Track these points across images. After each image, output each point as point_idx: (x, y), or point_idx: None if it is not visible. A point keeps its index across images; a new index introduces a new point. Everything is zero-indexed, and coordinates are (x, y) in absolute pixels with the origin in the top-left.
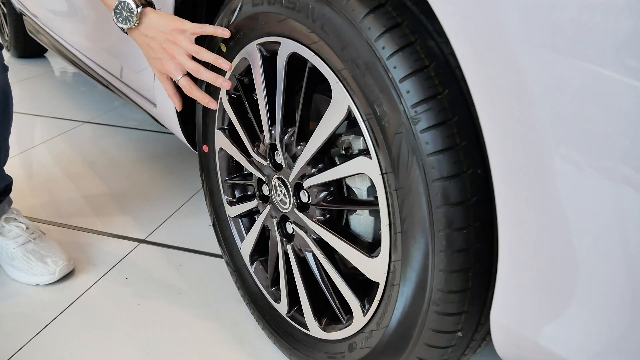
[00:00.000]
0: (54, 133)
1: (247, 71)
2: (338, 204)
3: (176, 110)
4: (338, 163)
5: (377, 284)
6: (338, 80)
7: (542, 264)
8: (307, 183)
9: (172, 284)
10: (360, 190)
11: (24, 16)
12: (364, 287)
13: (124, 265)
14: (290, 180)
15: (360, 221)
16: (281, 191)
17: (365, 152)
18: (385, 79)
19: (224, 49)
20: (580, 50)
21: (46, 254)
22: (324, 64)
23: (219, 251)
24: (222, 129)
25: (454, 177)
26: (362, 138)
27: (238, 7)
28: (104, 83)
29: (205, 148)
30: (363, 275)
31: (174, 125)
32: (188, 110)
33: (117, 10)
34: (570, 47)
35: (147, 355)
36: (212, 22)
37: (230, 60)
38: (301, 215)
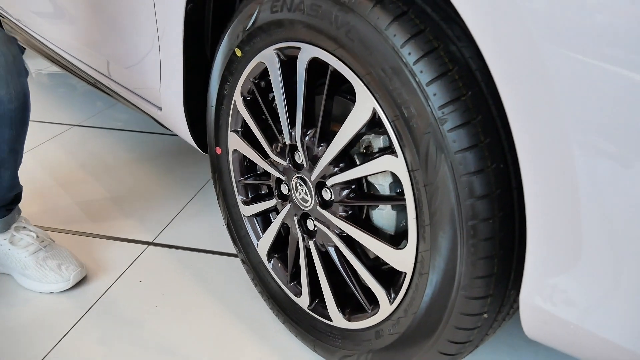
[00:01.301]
0: (43, 138)
1: (263, 75)
2: (362, 200)
3: (185, 114)
4: (360, 162)
5: (403, 274)
6: (362, 84)
7: (570, 247)
8: (330, 181)
9: (187, 285)
10: (382, 186)
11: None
12: (387, 277)
13: (135, 269)
14: (312, 179)
15: (382, 215)
16: (302, 190)
17: (390, 150)
18: (412, 82)
19: (238, 53)
20: (594, 45)
21: (59, 261)
22: (348, 69)
23: (228, 250)
24: (235, 131)
25: (480, 172)
26: (381, 137)
27: (255, 14)
28: (101, 88)
29: (218, 150)
30: (386, 265)
31: (182, 128)
32: (197, 114)
33: None
34: (587, 43)
35: (173, 355)
36: (220, 29)
37: (246, 65)
38: (324, 212)
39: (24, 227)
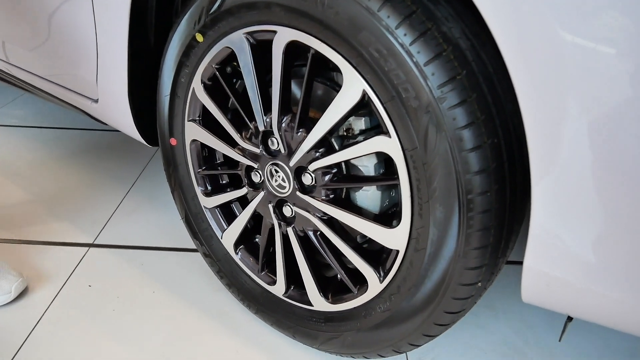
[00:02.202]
0: None
1: (227, 60)
2: (350, 182)
3: (130, 105)
4: (339, 145)
5: (394, 252)
6: (351, 67)
7: (573, 214)
8: (313, 166)
9: (142, 284)
10: (367, 167)
11: None
12: (372, 256)
13: (80, 273)
14: (291, 165)
15: (367, 196)
16: (279, 176)
17: (381, 131)
18: (410, 63)
19: (200, 38)
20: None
21: None
22: (334, 52)
23: (178, 245)
24: (194, 120)
25: (478, 147)
26: (363, 119)
27: None
28: (15, 83)
29: (173, 141)
30: (370, 246)
31: (124, 121)
32: (143, 104)
33: None
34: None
35: (144, 359)
36: (164, 14)
37: (208, 50)
38: (305, 197)
39: None
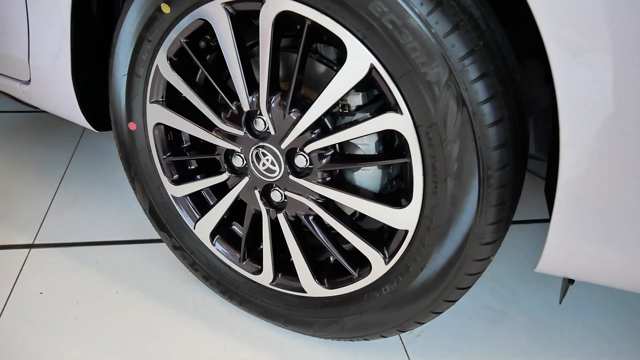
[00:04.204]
0: None
1: (198, 33)
2: (351, 162)
3: (74, 86)
4: (331, 124)
5: (402, 232)
6: (357, 40)
7: (597, 191)
8: (309, 148)
9: (101, 285)
10: (368, 146)
11: None
12: (373, 237)
13: (26, 279)
14: (282, 148)
15: (368, 175)
16: (267, 160)
17: (387, 108)
18: (428, 34)
19: (166, 9)
20: None
21: None
22: (336, 23)
23: (131, 237)
24: (157, 102)
25: (499, 121)
26: (360, 95)
27: None
28: None
29: (132, 126)
30: (365, 223)
31: (65, 104)
32: (88, 85)
33: None
34: None
35: None
36: None
37: (176, 22)
38: (299, 180)
39: None
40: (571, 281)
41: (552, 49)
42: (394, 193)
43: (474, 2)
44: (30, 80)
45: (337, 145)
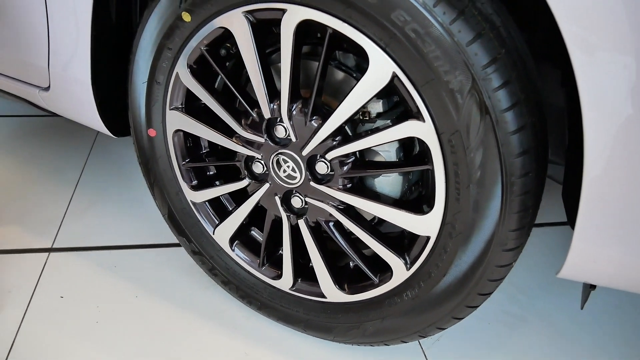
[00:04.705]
0: None
1: (219, 41)
2: (373, 169)
3: (94, 92)
4: (351, 131)
5: (424, 238)
6: (379, 48)
7: (623, 197)
8: (331, 155)
9: (121, 289)
10: (388, 152)
11: None
12: (394, 243)
13: (47, 283)
14: (303, 155)
15: (388, 182)
16: (288, 166)
17: (409, 115)
18: (451, 43)
19: (187, 18)
20: None
21: None
22: (358, 32)
23: (150, 241)
24: (177, 108)
25: (522, 128)
26: (380, 102)
27: None
28: None
29: (152, 132)
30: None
31: (85, 111)
32: (108, 92)
33: None
34: None
35: None
36: None
37: (196, 31)
38: (320, 187)
39: None
40: (593, 287)
41: (575, 53)
42: (415, 199)
43: (494, 10)
44: (49, 87)
45: (358, 152)
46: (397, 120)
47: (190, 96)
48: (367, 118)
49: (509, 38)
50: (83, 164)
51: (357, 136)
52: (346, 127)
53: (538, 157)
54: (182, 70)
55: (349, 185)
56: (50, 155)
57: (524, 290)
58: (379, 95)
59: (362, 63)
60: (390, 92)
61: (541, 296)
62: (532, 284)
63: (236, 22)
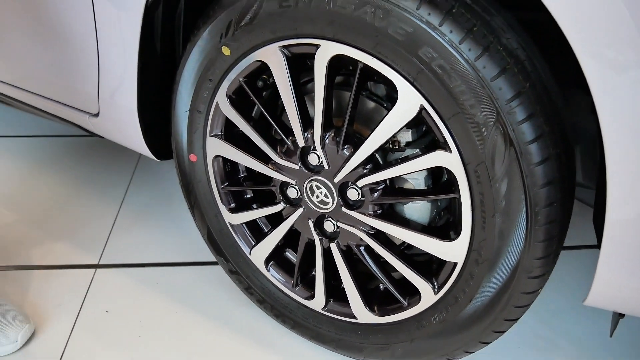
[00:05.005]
0: None
1: (256, 74)
2: (402, 197)
3: (140, 120)
4: (382, 159)
5: (451, 264)
6: (407, 82)
7: None
8: (361, 182)
9: (162, 305)
10: (417, 180)
11: None
12: (422, 267)
13: (93, 298)
14: (335, 182)
15: (417, 208)
16: (320, 192)
17: (437, 145)
18: (476, 78)
19: (226, 52)
20: None
21: (1, 319)
22: (387, 67)
23: (190, 259)
24: (217, 135)
25: (546, 160)
26: (410, 132)
27: (255, 7)
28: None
29: (193, 157)
30: (419, 256)
31: (131, 135)
32: (152, 118)
33: None
34: None
35: None
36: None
37: (235, 63)
38: (351, 212)
39: None
40: (622, 315)
41: (593, 80)
42: (443, 226)
43: (520, 44)
44: (98, 113)
45: (387, 179)
46: (425, 150)
47: (229, 124)
48: (397, 147)
49: (534, 71)
50: (127, 183)
51: (387, 165)
52: (377, 155)
53: (563, 187)
54: (221, 100)
55: (379, 211)
56: (96, 175)
57: (555, 313)
58: (408, 125)
59: (392, 93)
60: (419, 122)
61: (573, 320)
62: (565, 307)
63: (272, 56)
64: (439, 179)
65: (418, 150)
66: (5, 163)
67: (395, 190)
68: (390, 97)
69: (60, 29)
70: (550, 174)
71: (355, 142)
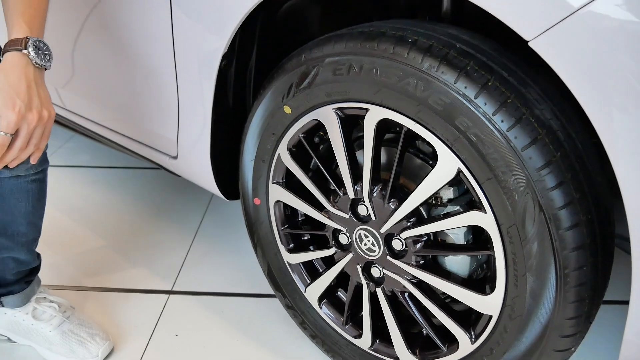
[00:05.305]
0: None
1: (313, 130)
2: (442, 250)
3: (212, 165)
4: (425, 213)
5: (488, 316)
6: (446, 147)
7: None
8: (405, 234)
9: (225, 333)
10: (457, 235)
11: None
12: (461, 316)
13: (165, 322)
14: (381, 232)
15: (457, 261)
16: (368, 241)
17: (473, 205)
18: (508, 148)
19: (287, 110)
20: None
21: (84, 334)
22: (428, 132)
23: (254, 291)
24: (278, 183)
25: (576, 226)
26: (451, 189)
27: (313, 74)
28: (90, 136)
29: (257, 201)
30: (458, 307)
31: (204, 178)
32: (223, 164)
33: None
34: None
35: None
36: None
37: (295, 121)
38: (395, 261)
39: (44, 298)
40: None
41: (610, 146)
42: (481, 279)
43: (554, 113)
44: (177, 156)
45: (429, 232)
46: (466, 207)
47: (289, 173)
48: (439, 202)
49: (567, 140)
50: (202, 217)
51: (429, 219)
52: (421, 209)
53: (594, 252)
54: (282, 152)
55: (421, 262)
56: (173, 207)
57: (592, 346)
58: (449, 184)
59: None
60: (460, 181)
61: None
62: (598, 339)
63: (327, 116)
64: (480, 235)
65: (459, 207)
66: (102, 192)
67: (436, 243)
68: (436, 155)
69: (146, 83)
70: (580, 238)
71: (401, 196)
